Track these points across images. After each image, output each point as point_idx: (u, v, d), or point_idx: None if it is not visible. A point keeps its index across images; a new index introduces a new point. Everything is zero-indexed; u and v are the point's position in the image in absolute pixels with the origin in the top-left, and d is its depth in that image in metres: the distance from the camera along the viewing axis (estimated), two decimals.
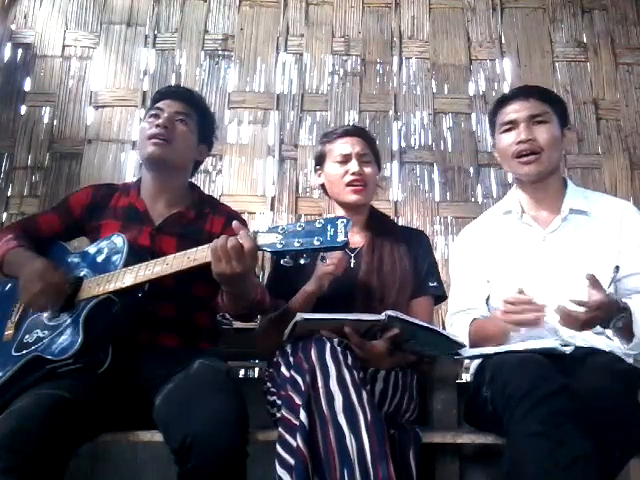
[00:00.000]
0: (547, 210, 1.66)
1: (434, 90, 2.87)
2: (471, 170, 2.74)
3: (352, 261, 1.70)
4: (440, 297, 1.75)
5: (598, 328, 1.46)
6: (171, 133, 1.62)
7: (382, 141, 2.77)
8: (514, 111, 1.65)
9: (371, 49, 2.91)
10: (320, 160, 1.80)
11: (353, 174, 1.69)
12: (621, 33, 2.92)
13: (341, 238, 1.18)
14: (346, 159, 1.72)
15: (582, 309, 1.34)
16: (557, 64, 2.89)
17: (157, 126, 1.61)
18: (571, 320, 1.36)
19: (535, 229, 1.65)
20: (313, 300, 1.56)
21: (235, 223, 1.31)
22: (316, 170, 1.84)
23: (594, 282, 1.35)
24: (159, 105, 1.67)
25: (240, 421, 1.24)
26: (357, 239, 1.74)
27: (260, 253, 2.52)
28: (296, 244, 1.20)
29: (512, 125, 1.65)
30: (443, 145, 2.80)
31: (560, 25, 2.94)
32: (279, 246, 1.22)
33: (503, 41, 2.92)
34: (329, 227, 1.19)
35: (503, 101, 1.71)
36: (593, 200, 1.67)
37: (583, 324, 1.37)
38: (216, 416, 1.21)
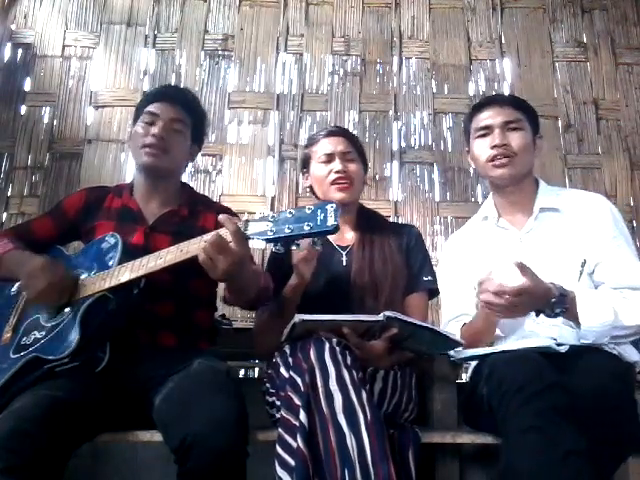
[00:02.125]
0: (521, 212, 1.68)
1: (434, 90, 2.87)
2: (471, 170, 2.74)
3: (344, 259, 1.70)
4: (435, 291, 1.76)
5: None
6: (167, 143, 1.61)
7: (382, 141, 2.78)
8: (489, 117, 1.68)
9: (371, 49, 2.91)
10: (306, 163, 1.82)
11: (337, 172, 1.70)
12: (621, 33, 2.93)
13: (331, 222, 1.18)
14: (329, 158, 1.73)
15: (502, 296, 1.36)
16: (557, 64, 2.89)
17: (153, 136, 1.60)
18: (493, 308, 1.39)
19: (511, 232, 1.67)
20: (299, 293, 1.55)
21: (220, 216, 1.30)
22: (303, 174, 1.86)
23: (522, 268, 1.37)
24: (153, 110, 1.65)
25: (240, 421, 1.24)
26: (348, 237, 1.75)
27: (260, 252, 2.55)
28: (287, 230, 1.20)
29: (487, 131, 1.67)
30: (443, 145, 2.80)
31: (560, 25, 2.95)
32: (270, 234, 1.22)
33: (503, 41, 2.92)
34: (319, 212, 1.19)
35: (478, 108, 1.74)
36: (565, 197, 1.68)
37: (507, 311, 1.39)
38: (216, 416, 1.21)
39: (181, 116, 1.67)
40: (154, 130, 1.61)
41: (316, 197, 1.83)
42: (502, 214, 1.71)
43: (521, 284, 1.36)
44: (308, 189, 1.86)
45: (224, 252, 1.27)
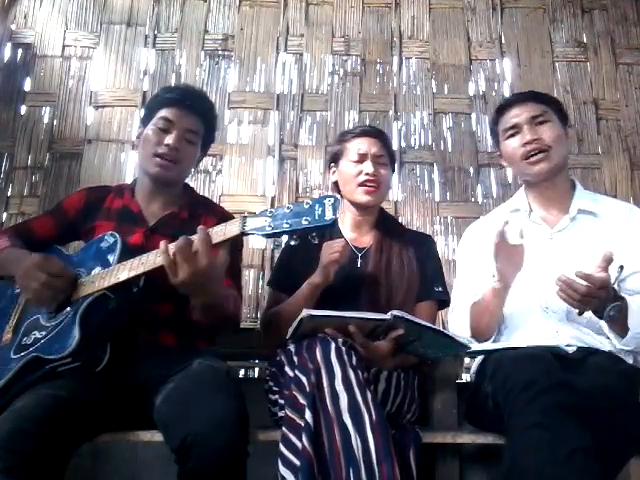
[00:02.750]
0: (555, 210, 1.67)
1: (434, 90, 2.86)
2: (471, 170, 2.74)
3: (359, 261, 1.70)
4: (444, 302, 1.76)
5: (597, 328, 1.46)
6: (179, 154, 1.61)
7: None
8: (515, 116, 1.67)
9: (371, 49, 2.91)
10: (335, 158, 1.80)
11: (367, 174, 1.69)
12: (621, 33, 2.92)
13: (329, 215, 1.18)
14: (362, 159, 1.72)
15: (584, 283, 1.33)
16: (557, 64, 2.89)
17: (166, 146, 1.59)
18: (570, 292, 1.36)
19: (543, 228, 1.66)
20: (319, 292, 1.56)
21: (200, 227, 1.28)
22: (330, 167, 1.84)
23: (607, 260, 1.34)
24: (169, 116, 1.62)
25: (240, 421, 1.24)
26: (366, 239, 1.75)
27: (260, 252, 2.55)
28: (285, 226, 1.20)
29: (516, 129, 1.67)
30: (443, 145, 2.79)
31: (560, 25, 2.94)
32: (268, 229, 1.22)
33: (503, 41, 2.92)
34: (317, 206, 1.19)
35: (502, 109, 1.73)
36: (600, 202, 1.68)
37: (581, 299, 1.36)
38: (216, 416, 1.21)
39: (196, 127, 1.65)
40: (168, 140, 1.59)
41: (338, 193, 1.82)
42: (535, 209, 1.70)
43: (605, 276, 1.34)
44: (332, 185, 1.85)
45: (188, 260, 1.25)
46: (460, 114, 2.82)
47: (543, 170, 1.63)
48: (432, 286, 1.70)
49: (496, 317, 1.56)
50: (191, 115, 1.64)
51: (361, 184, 1.70)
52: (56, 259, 1.46)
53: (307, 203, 1.21)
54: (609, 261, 1.35)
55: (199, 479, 1.18)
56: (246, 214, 1.28)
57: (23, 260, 1.45)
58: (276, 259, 1.86)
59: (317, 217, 1.18)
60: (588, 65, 2.89)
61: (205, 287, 1.33)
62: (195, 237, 1.27)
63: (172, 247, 1.28)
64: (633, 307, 1.42)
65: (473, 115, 2.81)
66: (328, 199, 1.20)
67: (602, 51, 2.89)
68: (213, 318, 1.45)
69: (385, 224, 1.79)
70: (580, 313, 1.43)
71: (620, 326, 1.43)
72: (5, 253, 1.54)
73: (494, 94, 2.81)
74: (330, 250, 1.53)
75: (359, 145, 1.73)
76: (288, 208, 1.22)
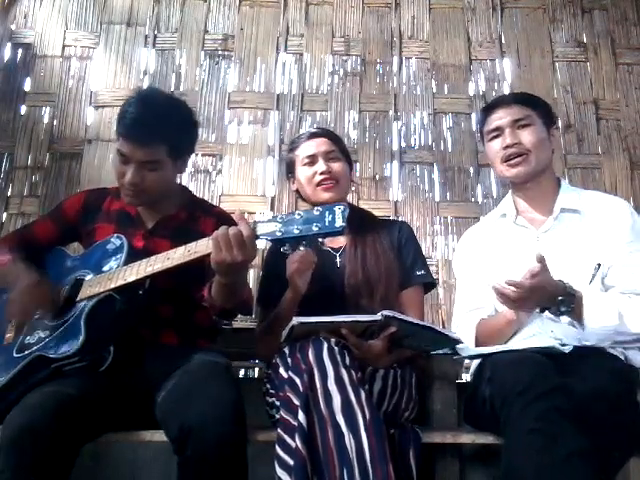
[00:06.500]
0: (541, 211, 1.68)
1: (434, 90, 2.86)
2: (471, 170, 2.74)
3: (338, 261, 1.71)
4: (430, 285, 1.76)
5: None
6: (143, 185, 1.54)
7: (382, 141, 2.78)
8: (498, 118, 1.70)
9: (371, 49, 2.91)
10: (291, 168, 1.83)
11: (322, 173, 1.71)
12: (621, 33, 2.92)
13: (339, 223, 1.19)
14: (313, 160, 1.74)
15: (513, 288, 1.38)
16: (557, 64, 2.89)
17: (127, 181, 1.53)
18: (503, 298, 1.42)
19: (530, 230, 1.67)
20: (296, 304, 1.57)
21: (237, 214, 1.31)
22: (289, 178, 1.86)
23: (541, 262, 1.39)
24: (124, 151, 1.52)
25: (237, 409, 1.26)
26: (340, 239, 1.74)
27: (260, 252, 2.54)
28: (295, 231, 1.21)
29: (498, 132, 1.69)
30: (443, 145, 2.79)
31: (560, 25, 2.94)
32: (279, 234, 1.23)
33: (503, 41, 2.92)
34: (327, 214, 1.20)
35: (487, 111, 1.76)
36: (586, 198, 1.68)
37: (514, 303, 1.42)
38: (213, 403, 1.22)
39: (152, 156, 1.53)
40: (127, 176, 1.53)
41: (303, 200, 1.84)
42: (521, 212, 1.71)
43: (536, 281, 1.38)
44: (295, 193, 1.86)
45: (240, 248, 1.26)
46: (460, 114, 2.82)
47: (520, 173, 1.66)
48: (413, 271, 1.71)
49: (506, 337, 1.58)
50: (144, 147, 1.51)
51: (318, 184, 1.71)
52: (44, 286, 1.47)
53: (317, 210, 1.22)
54: (541, 262, 1.39)
55: (198, 466, 1.19)
56: (256, 219, 1.29)
57: (16, 280, 1.48)
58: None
59: (327, 224, 1.19)
60: (588, 65, 2.88)
61: (241, 273, 1.38)
62: (242, 229, 1.27)
63: (223, 231, 1.27)
64: (589, 303, 1.43)
65: (473, 115, 2.80)
66: (338, 207, 1.21)
67: (602, 51, 2.89)
68: (232, 300, 1.45)
69: (356, 219, 1.76)
70: (542, 311, 1.47)
71: (580, 322, 1.45)
72: (5, 268, 1.55)
73: (494, 94, 2.80)
74: (290, 261, 1.53)
75: (307, 148, 1.76)
76: (299, 215, 1.23)
